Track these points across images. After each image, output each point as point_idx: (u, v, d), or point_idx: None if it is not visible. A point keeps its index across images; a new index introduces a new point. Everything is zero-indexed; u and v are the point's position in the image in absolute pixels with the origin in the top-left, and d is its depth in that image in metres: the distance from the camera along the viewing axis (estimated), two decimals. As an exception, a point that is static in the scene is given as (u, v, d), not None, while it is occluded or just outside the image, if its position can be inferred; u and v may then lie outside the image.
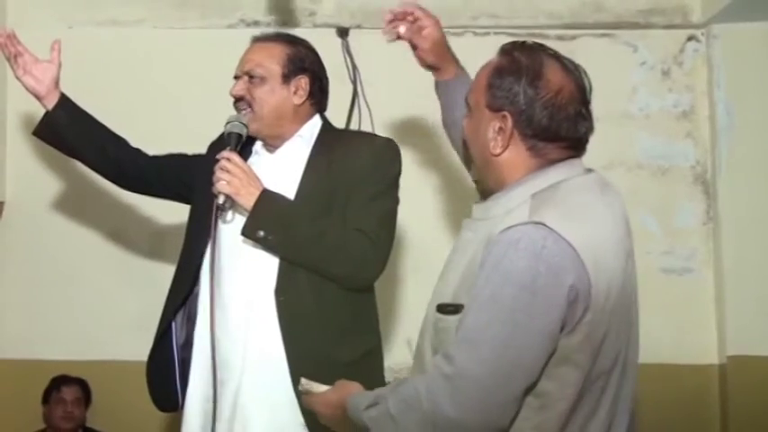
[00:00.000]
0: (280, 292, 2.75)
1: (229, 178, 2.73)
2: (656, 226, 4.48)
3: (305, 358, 2.71)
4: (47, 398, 4.36)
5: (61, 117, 3.06)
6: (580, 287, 1.83)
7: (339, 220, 2.80)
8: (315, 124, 2.95)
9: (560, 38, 4.43)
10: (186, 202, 3.07)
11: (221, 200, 2.74)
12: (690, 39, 4.59)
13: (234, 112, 2.90)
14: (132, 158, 3.17)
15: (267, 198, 2.74)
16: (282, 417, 2.73)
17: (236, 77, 2.92)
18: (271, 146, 2.93)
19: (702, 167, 4.55)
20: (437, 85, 2.83)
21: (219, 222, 2.80)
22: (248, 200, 2.73)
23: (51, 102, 3.06)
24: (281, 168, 2.88)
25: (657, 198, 4.51)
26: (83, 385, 4.38)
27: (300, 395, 2.37)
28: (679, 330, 4.39)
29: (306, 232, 2.77)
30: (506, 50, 2.05)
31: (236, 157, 2.77)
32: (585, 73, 2.06)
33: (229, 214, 2.81)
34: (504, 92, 1.98)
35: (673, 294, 4.43)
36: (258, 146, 2.94)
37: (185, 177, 3.06)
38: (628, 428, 2.00)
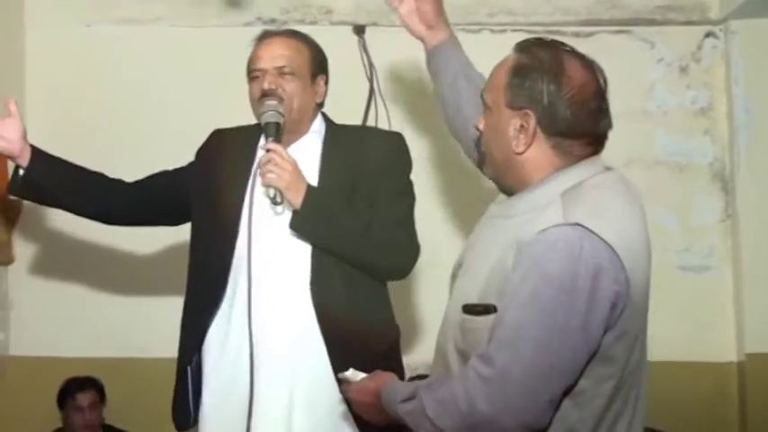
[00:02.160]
0: (315, 284, 2.77)
1: (280, 172, 2.70)
2: (674, 223, 4.47)
3: (344, 348, 2.72)
4: (62, 403, 4.32)
5: (39, 171, 2.95)
6: (619, 288, 1.83)
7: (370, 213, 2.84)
8: (320, 120, 2.96)
9: (577, 35, 4.43)
10: (183, 219, 3.03)
11: (272, 193, 2.72)
12: (708, 35, 4.57)
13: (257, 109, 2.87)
14: (116, 195, 3.08)
15: (314, 192, 2.75)
16: (324, 406, 2.76)
17: (260, 71, 2.87)
18: (288, 141, 2.90)
19: (721, 164, 4.53)
20: (433, 54, 2.76)
21: (253, 219, 2.79)
22: (298, 194, 2.71)
23: (25, 158, 2.94)
24: (309, 155, 2.87)
25: (675, 195, 4.49)
26: (97, 387, 4.35)
27: (340, 383, 2.39)
28: (697, 328, 4.38)
29: (352, 226, 2.79)
30: (524, 47, 2.02)
31: (282, 150, 2.75)
32: (601, 69, 2.04)
33: (266, 210, 2.79)
34: (526, 90, 1.96)
35: (691, 292, 4.42)
36: (263, 142, 2.89)
37: (178, 192, 3.00)
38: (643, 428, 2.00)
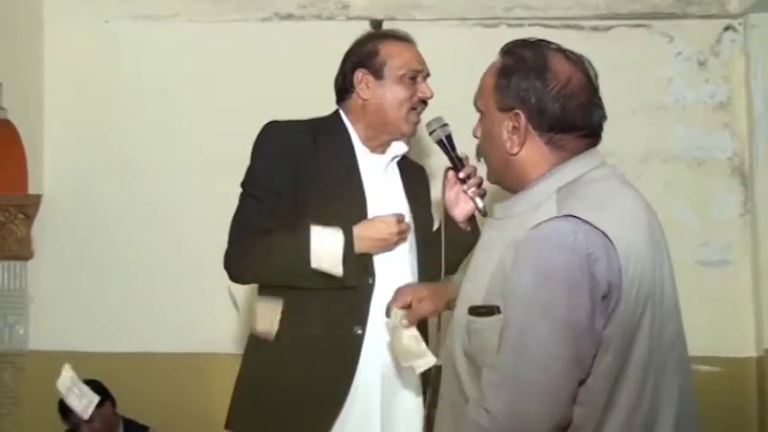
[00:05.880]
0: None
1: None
2: (692, 218, 4.44)
3: None
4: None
5: None
6: (612, 278, 1.83)
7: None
8: None
9: (595, 29, 4.41)
10: None
11: (482, 204, 2.73)
12: (726, 28, 4.54)
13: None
14: None
15: None
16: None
17: (421, 73, 2.88)
18: (379, 147, 2.90)
19: (740, 159, 4.51)
20: None
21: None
22: None
23: None
24: (393, 170, 2.92)
25: (694, 190, 4.47)
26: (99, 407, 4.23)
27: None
28: (716, 323, 4.35)
29: None
30: (508, 50, 2.06)
31: None
32: (590, 62, 2.05)
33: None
34: (513, 90, 1.98)
35: (710, 287, 4.39)
36: (360, 142, 2.88)
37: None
38: (678, 427, 1.97)
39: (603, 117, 2.03)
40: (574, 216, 1.84)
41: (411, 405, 2.80)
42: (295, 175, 2.76)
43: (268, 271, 2.74)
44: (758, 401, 4.38)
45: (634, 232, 1.91)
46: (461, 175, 2.74)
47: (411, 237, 2.85)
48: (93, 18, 4.60)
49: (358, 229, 2.71)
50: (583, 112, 1.98)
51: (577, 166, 1.98)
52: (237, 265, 2.77)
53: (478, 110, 2.10)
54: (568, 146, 1.99)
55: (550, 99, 1.96)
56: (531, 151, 1.99)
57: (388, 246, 2.71)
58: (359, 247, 2.70)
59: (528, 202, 1.97)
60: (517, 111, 1.98)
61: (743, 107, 4.51)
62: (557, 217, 1.86)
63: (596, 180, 1.97)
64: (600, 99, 2.03)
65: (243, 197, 2.82)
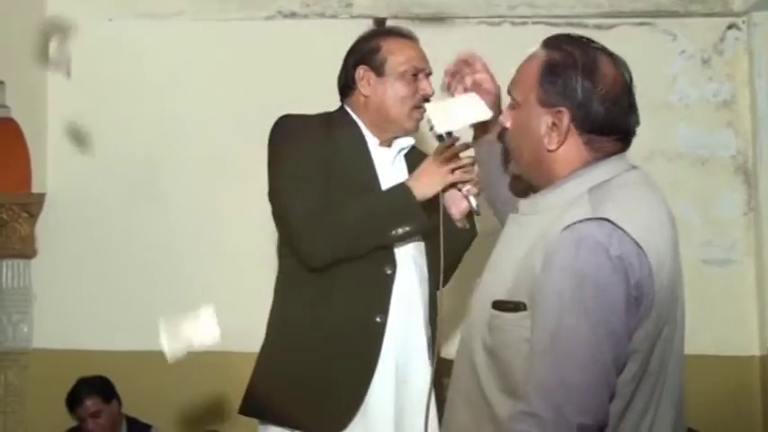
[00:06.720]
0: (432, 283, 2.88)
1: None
2: (696, 216, 4.45)
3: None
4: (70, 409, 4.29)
5: None
6: (644, 283, 1.81)
7: None
8: None
9: (598, 27, 4.41)
10: None
11: (475, 203, 2.68)
12: (730, 27, 4.54)
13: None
14: None
15: None
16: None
17: (423, 73, 2.86)
18: (385, 141, 2.90)
19: (743, 157, 4.51)
20: (481, 143, 2.59)
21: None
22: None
23: None
24: (401, 162, 2.91)
25: (698, 188, 4.47)
26: (99, 391, 4.27)
27: None
28: (720, 322, 4.35)
29: None
30: (554, 44, 2.00)
31: None
32: (627, 65, 2.03)
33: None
34: (560, 87, 1.94)
35: (713, 285, 4.40)
36: (370, 134, 2.88)
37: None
38: (675, 423, 1.96)
39: (638, 121, 2.01)
40: (608, 220, 1.82)
41: (421, 391, 2.78)
42: (317, 161, 2.76)
43: (350, 241, 2.72)
44: (762, 400, 4.39)
45: (662, 238, 1.89)
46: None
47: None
48: (97, 16, 4.61)
49: (410, 181, 2.72)
50: (623, 115, 1.97)
51: (608, 169, 1.96)
52: (322, 247, 2.72)
53: (513, 99, 2.05)
54: (604, 148, 1.96)
55: (597, 101, 1.93)
56: (569, 150, 1.96)
57: (445, 178, 2.67)
58: (419, 192, 2.69)
59: (557, 200, 1.95)
60: (561, 109, 1.94)
61: (746, 105, 4.51)
62: (591, 219, 1.83)
63: (627, 184, 1.95)
64: (636, 103, 2.01)
65: (282, 190, 2.79)
